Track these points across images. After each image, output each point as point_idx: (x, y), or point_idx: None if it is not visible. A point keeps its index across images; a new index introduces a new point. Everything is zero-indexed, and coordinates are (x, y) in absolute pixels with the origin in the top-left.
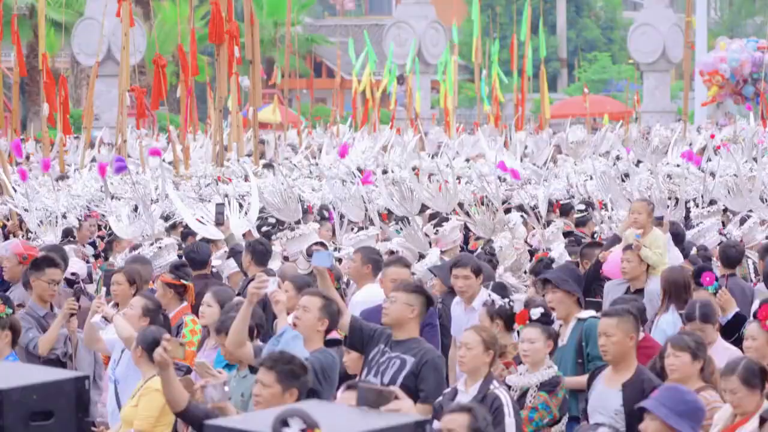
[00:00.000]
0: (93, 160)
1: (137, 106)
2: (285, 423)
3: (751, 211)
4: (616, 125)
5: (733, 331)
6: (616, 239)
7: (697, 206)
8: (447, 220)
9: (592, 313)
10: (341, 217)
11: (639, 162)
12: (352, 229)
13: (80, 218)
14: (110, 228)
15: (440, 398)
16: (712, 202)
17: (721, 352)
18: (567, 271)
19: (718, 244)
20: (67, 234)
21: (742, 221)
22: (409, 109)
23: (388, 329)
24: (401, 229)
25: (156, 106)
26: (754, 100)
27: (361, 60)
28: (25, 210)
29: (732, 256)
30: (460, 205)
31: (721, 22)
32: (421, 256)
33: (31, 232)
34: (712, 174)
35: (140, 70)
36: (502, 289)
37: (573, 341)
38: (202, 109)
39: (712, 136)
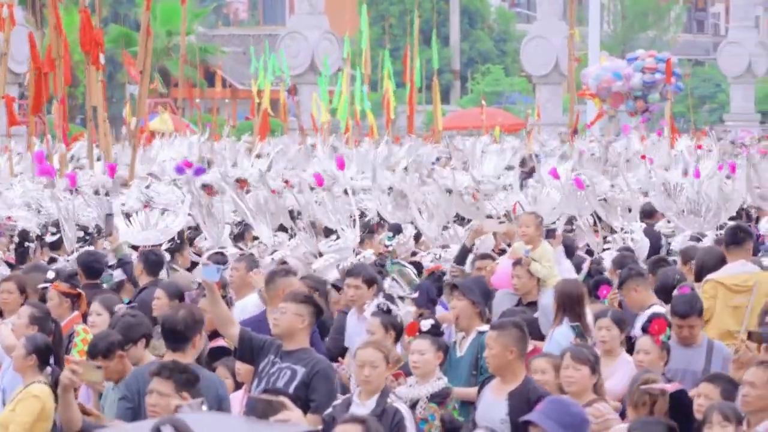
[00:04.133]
0: None
1: (7, 114)
2: (158, 431)
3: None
4: (508, 137)
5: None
6: (464, 250)
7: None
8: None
9: None
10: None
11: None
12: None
13: None
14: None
15: (330, 409)
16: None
17: (624, 364)
18: (476, 283)
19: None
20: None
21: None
22: (296, 118)
23: (278, 340)
24: (392, 236)
25: (37, 113)
26: (640, 115)
27: (270, 68)
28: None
29: (626, 265)
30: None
31: (615, 36)
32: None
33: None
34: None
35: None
36: (389, 301)
37: (470, 353)
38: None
39: (644, 157)
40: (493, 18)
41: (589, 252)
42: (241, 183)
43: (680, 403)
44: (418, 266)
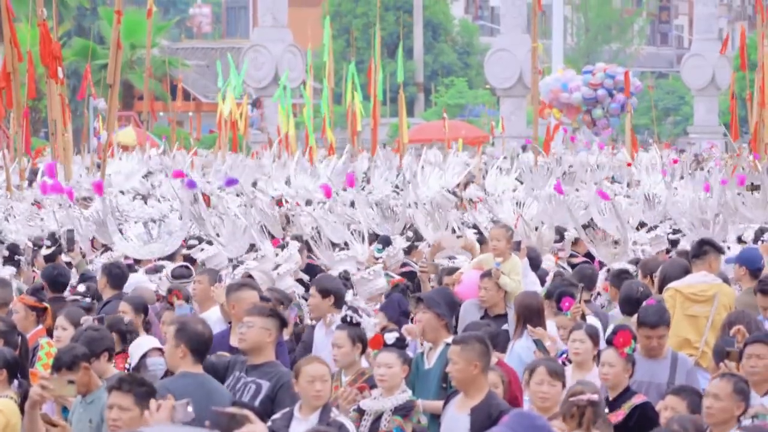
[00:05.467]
0: None
1: None
2: None
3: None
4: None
5: None
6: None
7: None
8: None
9: None
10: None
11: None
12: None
13: None
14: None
15: (269, 423)
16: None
17: (595, 379)
18: (442, 294)
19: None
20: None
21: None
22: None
23: (242, 356)
24: (382, 248)
25: None
26: (592, 128)
27: (230, 81)
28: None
29: (586, 276)
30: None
31: (578, 49)
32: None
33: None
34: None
35: None
36: (354, 313)
37: (439, 366)
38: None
39: (629, 165)
40: (456, 31)
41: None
42: (205, 198)
43: (645, 416)
44: (410, 276)
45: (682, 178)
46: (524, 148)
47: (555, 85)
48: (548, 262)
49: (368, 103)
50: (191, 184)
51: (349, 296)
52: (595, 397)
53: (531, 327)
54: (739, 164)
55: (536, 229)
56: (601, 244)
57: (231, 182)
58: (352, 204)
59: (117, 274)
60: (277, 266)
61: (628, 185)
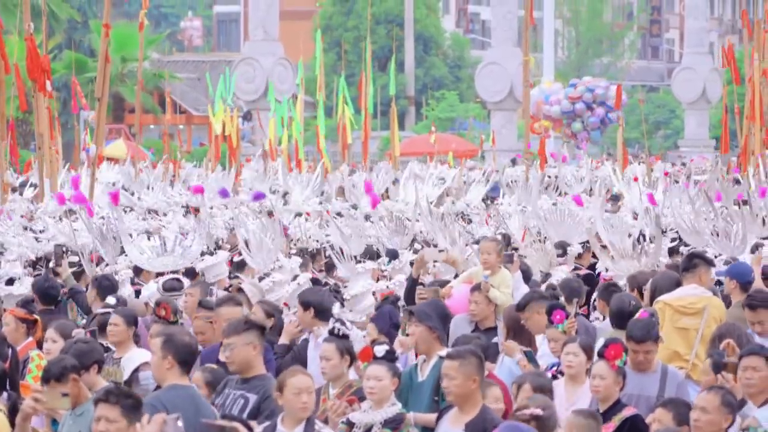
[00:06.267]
0: None
1: None
2: None
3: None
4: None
5: None
6: (412, 282)
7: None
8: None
9: None
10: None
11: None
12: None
13: None
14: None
15: None
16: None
17: (587, 392)
18: (433, 307)
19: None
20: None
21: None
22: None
23: (229, 376)
24: (389, 261)
25: None
26: (574, 141)
27: (218, 96)
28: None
29: (575, 289)
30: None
31: (569, 62)
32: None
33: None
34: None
35: None
36: (342, 325)
37: (432, 378)
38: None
39: (636, 179)
40: (447, 44)
41: (587, 278)
42: (193, 210)
43: (635, 428)
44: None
45: (666, 190)
46: (514, 162)
47: (539, 97)
48: (561, 274)
49: (359, 116)
50: (224, 193)
51: (336, 309)
52: (538, 411)
53: (503, 342)
54: (715, 178)
55: (543, 241)
56: (623, 257)
57: (259, 196)
58: (339, 214)
59: (107, 287)
60: (296, 276)
61: (617, 198)
